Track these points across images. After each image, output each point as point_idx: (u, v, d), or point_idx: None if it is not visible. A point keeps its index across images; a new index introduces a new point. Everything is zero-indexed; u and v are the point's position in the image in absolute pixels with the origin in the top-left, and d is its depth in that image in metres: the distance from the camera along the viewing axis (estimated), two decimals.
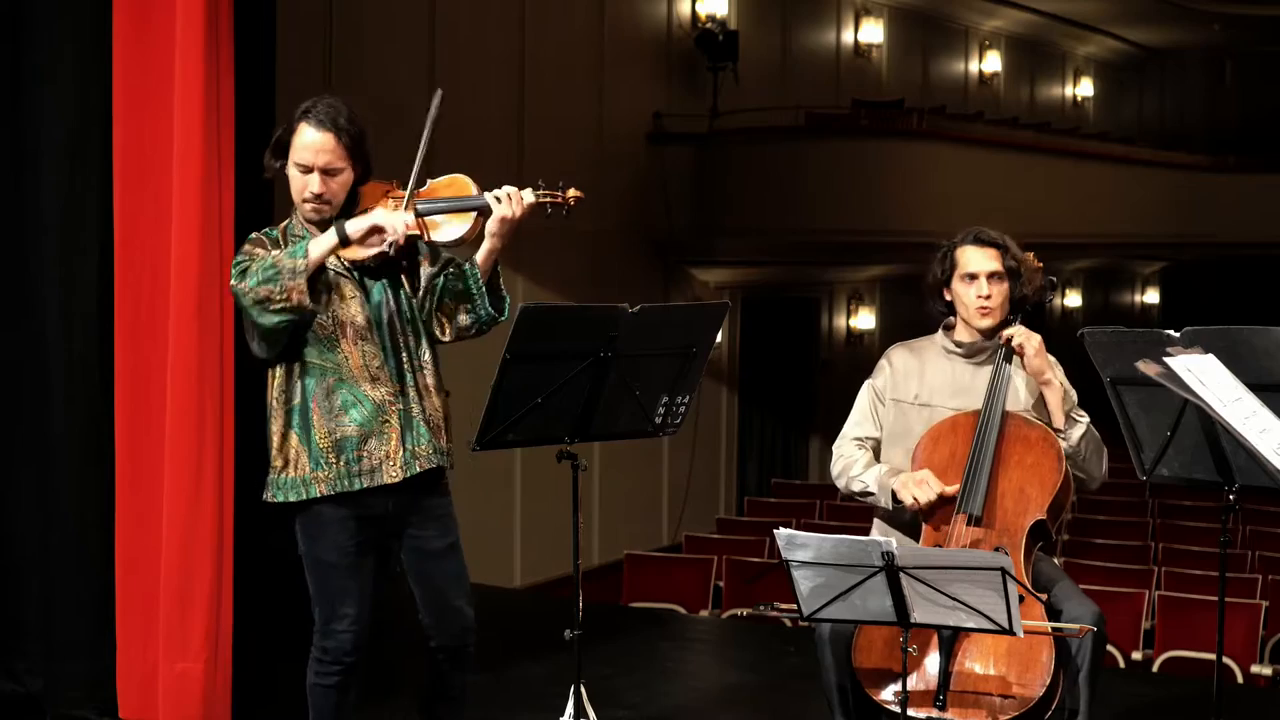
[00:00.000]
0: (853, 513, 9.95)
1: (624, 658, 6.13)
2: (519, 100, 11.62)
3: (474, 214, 3.81)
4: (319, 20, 9.89)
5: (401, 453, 3.80)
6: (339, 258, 3.76)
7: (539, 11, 11.84)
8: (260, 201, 5.34)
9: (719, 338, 4.50)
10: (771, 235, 13.46)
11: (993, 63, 19.52)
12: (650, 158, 12.97)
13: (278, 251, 3.70)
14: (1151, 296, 23.50)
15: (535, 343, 3.57)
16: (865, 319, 16.35)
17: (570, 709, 3.91)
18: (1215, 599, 6.36)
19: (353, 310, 3.78)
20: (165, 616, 4.72)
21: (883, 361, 4.28)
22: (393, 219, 3.69)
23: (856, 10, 16.46)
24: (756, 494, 13.30)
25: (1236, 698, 6.14)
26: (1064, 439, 4.03)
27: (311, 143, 3.75)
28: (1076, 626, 3.76)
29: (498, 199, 3.77)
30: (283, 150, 3.79)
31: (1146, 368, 3.28)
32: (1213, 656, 6.14)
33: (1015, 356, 4.06)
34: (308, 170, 3.76)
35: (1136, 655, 7.37)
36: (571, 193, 3.84)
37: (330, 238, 3.69)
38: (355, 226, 3.70)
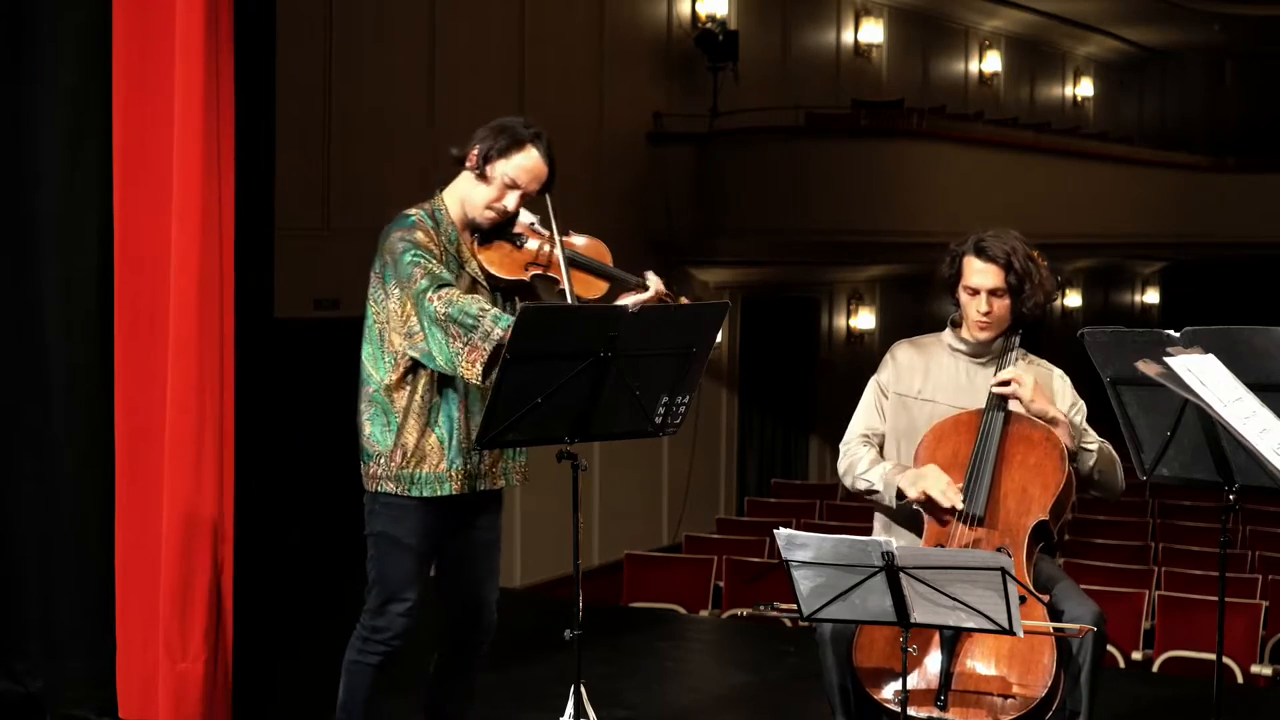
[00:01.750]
0: (853, 513, 9.95)
1: (624, 658, 6.13)
2: (519, 100, 11.61)
3: (609, 282, 3.96)
4: (319, 20, 9.89)
5: (502, 462, 4.00)
6: (481, 268, 3.88)
7: (539, 12, 11.84)
8: (260, 200, 5.35)
9: (719, 338, 4.47)
10: (771, 235, 13.45)
11: (993, 63, 19.52)
12: (650, 158, 12.97)
13: (481, 304, 3.70)
14: (1151, 296, 23.50)
15: (535, 343, 3.57)
16: (865, 319, 16.35)
17: (570, 709, 3.91)
18: (1215, 599, 6.36)
19: None
20: (165, 616, 4.72)
21: (887, 357, 4.28)
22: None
23: (856, 10, 16.46)
24: (756, 494, 13.30)
25: (1236, 698, 6.14)
26: (1076, 466, 4.02)
27: (535, 168, 3.87)
28: (1077, 627, 3.76)
29: (645, 285, 3.90)
30: (493, 157, 3.83)
31: (1146, 368, 3.28)
32: (1213, 656, 6.13)
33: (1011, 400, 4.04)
34: (514, 188, 3.85)
35: (1136, 655, 7.37)
36: (682, 299, 4.00)
37: None
38: None
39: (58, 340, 5.05)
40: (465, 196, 3.90)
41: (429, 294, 3.71)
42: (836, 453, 4.27)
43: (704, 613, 8.04)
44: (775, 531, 3.54)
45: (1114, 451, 4.11)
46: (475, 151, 3.86)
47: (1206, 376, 3.21)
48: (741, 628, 7.42)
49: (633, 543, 10.48)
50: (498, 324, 3.66)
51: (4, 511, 5.21)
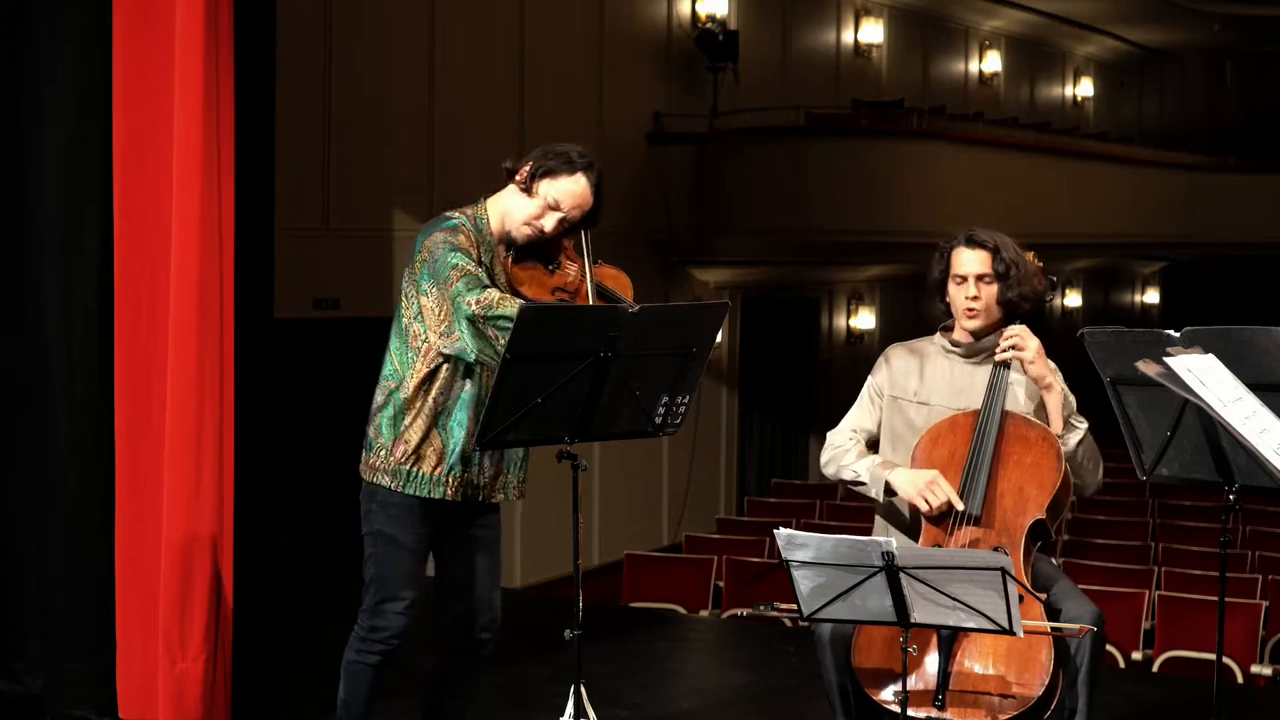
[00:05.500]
0: (853, 513, 9.96)
1: (624, 658, 6.13)
2: (519, 100, 11.62)
3: None
4: (319, 20, 9.89)
5: (501, 477, 4.00)
6: (510, 284, 3.91)
7: (539, 12, 11.84)
8: (260, 201, 5.35)
9: (719, 338, 4.48)
10: (771, 235, 13.46)
11: (993, 63, 19.52)
12: (650, 158, 12.97)
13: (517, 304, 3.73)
14: (1151, 296, 23.50)
15: (535, 343, 3.57)
16: (865, 319, 16.35)
17: (570, 709, 3.91)
18: (1215, 599, 6.36)
19: None
20: (165, 616, 4.72)
21: (880, 360, 4.29)
22: None
23: (856, 10, 16.46)
24: (756, 494, 13.30)
25: (1236, 698, 6.14)
26: (1063, 443, 4.02)
27: (580, 194, 3.92)
28: (1076, 627, 3.76)
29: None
30: (542, 175, 3.88)
31: (1146, 368, 3.28)
32: (1213, 656, 6.14)
33: (1015, 362, 4.05)
34: (556, 210, 3.88)
35: (1136, 655, 7.37)
36: None
37: None
38: None
39: (58, 341, 5.05)
40: (507, 210, 3.93)
41: (466, 297, 3.73)
42: None
43: (704, 613, 8.04)
44: (775, 531, 3.54)
45: (1098, 451, 4.11)
46: (527, 167, 3.90)
47: (1206, 376, 3.21)
48: (741, 628, 7.42)
49: (633, 543, 10.48)
50: None
51: (4, 512, 5.21)
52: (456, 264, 3.78)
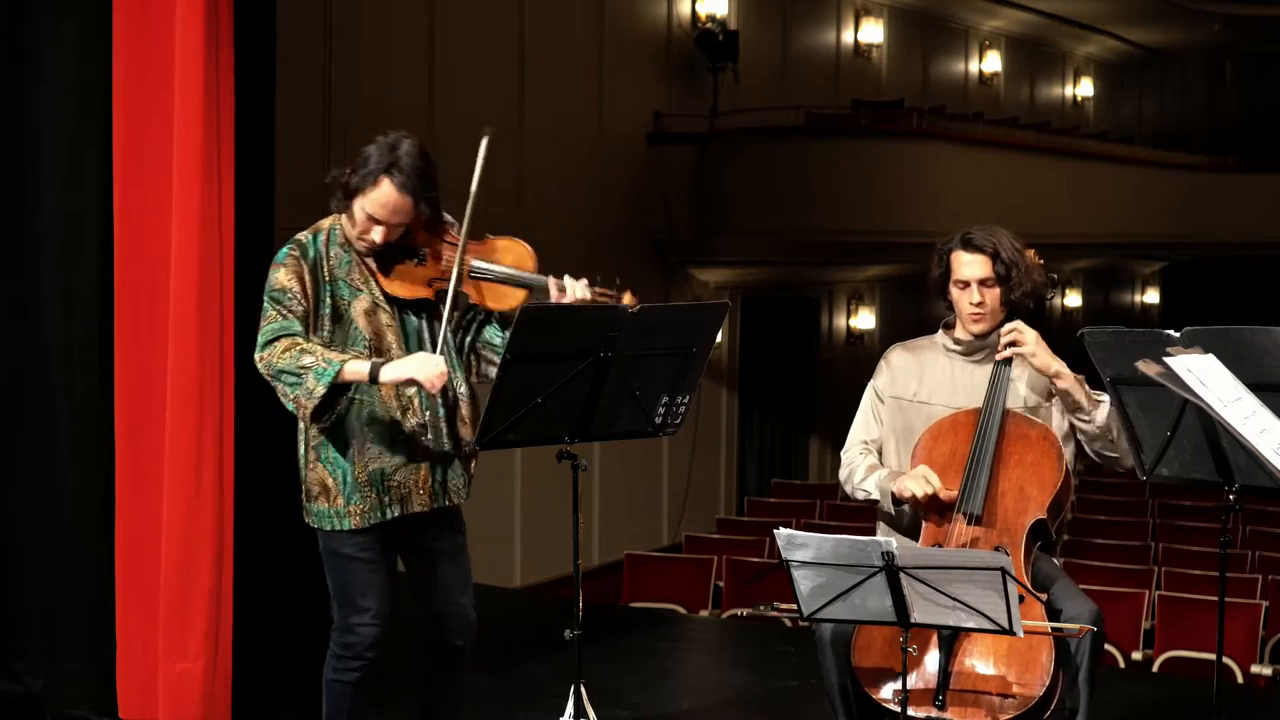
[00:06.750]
0: (853, 513, 9.95)
1: (624, 658, 6.13)
2: (519, 100, 11.62)
3: (526, 290, 3.83)
4: (319, 20, 9.89)
5: (431, 482, 3.85)
6: (381, 290, 3.78)
7: (539, 12, 11.84)
8: (260, 200, 5.35)
9: (719, 338, 4.49)
10: (771, 235, 13.47)
11: (993, 63, 19.53)
12: (650, 158, 12.97)
13: (308, 357, 3.61)
14: (1151, 296, 23.51)
15: (535, 343, 3.57)
16: (865, 319, 16.36)
17: (570, 709, 3.91)
18: (1215, 599, 6.36)
19: (389, 340, 3.78)
20: (165, 616, 4.72)
21: (881, 362, 4.28)
22: (429, 371, 3.59)
23: (856, 10, 16.46)
24: (756, 494, 13.30)
25: (1236, 698, 6.14)
26: (1089, 421, 3.99)
27: (390, 203, 3.70)
28: (1076, 626, 3.76)
29: (558, 288, 3.79)
30: (353, 192, 3.72)
31: (1146, 368, 3.27)
32: (1213, 656, 6.14)
33: (1016, 357, 4.05)
34: (376, 223, 3.72)
35: (1136, 655, 7.37)
36: (628, 297, 3.87)
37: (362, 371, 3.64)
38: (392, 374, 3.63)
39: (58, 341, 5.05)
40: (349, 230, 3.81)
41: (256, 354, 3.68)
42: (837, 453, 4.28)
43: (704, 613, 8.04)
44: (775, 531, 3.54)
45: None
46: (342, 180, 3.74)
47: (1206, 376, 3.21)
48: (741, 628, 7.42)
49: (633, 543, 10.48)
50: (320, 380, 3.59)
51: (4, 512, 5.21)
52: (267, 312, 3.70)
